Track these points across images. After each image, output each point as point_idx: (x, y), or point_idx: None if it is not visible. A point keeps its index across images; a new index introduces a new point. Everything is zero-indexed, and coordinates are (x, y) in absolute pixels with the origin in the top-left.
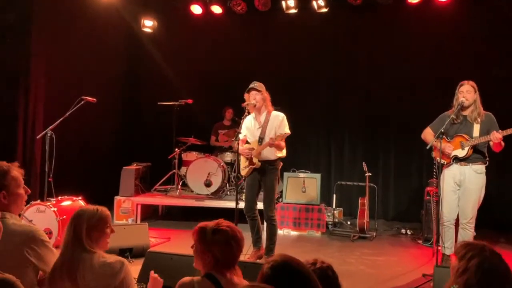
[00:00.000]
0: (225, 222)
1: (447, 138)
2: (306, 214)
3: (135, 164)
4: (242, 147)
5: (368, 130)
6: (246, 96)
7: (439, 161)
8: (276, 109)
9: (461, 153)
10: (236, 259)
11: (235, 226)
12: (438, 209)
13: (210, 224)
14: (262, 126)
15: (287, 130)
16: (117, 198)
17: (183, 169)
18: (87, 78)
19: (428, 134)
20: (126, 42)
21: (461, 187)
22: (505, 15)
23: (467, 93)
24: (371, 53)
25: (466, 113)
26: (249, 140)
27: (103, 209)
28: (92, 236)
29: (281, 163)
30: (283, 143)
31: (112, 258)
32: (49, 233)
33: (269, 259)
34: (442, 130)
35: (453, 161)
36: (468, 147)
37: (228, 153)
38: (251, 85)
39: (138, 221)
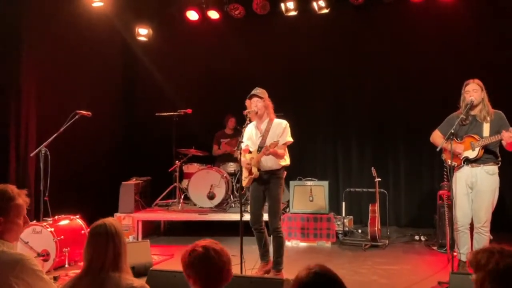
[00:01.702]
0: (203, 243)
1: (457, 140)
2: (315, 224)
3: (134, 179)
4: (244, 158)
5: (375, 134)
6: (247, 102)
7: (449, 163)
8: (279, 116)
9: (471, 154)
10: (216, 280)
11: (215, 245)
12: (452, 214)
13: (188, 247)
14: (263, 134)
15: (289, 138)
16: (116, 215)
17: (184, 182)
18: (81, 91)
19: (437, 137)
20: (120, 52)
21: (473, 190)
22: None
23: (473, 92)
24: (376, 54)
25: (474, 112)
26: (251, 149)
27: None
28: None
29: (285, 172)
30: (281, 151)
31: (137, 282)
32: (47, 254)
33: (307, 266)
34: (453, 131)
35: (464, 163)
36: (479, 148)
37: (231, 163)
38: (253, 92)
39: (140, 238)
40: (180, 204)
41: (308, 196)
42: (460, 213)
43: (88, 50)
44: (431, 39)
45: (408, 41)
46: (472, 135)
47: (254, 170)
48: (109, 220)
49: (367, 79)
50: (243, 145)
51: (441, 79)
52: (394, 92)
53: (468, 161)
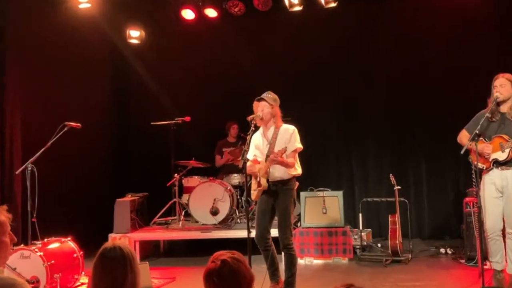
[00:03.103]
0: (228, 254)
1: (485, 140)
2: (330, 238)
3: (129, 195)
4: (251, 166)
5: (394, 137)
6: (255, 104)
7: (476, 165)
8: (286, 121)
9: (501, 156)
10: None
11: (240, 257)
12: (481, 221)
13: (212, 266)
14: (270, 142)
15: (298, 145)
16: (111, 235)
17: (184, 197)
18: (69, 100)
19: (463, 137)
20: (111, 56)
21: (504, 194)
22: None
23: (501, 87)
24: (391, 49)
25: (503, 110)
26: (259, 160)
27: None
28: None
29: (297, 183)
30: (290, 160)
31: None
32: (36, 281)
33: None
34: (477, 131)
35: (493, 165)
36: (509, 149)
37: (235, 175)
38: (263, 95)
39: (138, 261)
40: (180, 222)
41: (321, 208)
42: (490, 220)
43: (76, 55)
44: (456, 32)
45: (428, 35)
46: (501, 135)
47: (263, 181)
48: (119, 243)
49: (381, 77)
50: (249, 155)
51: (468, 75)
52: (413, 90)
53: (497, 163)
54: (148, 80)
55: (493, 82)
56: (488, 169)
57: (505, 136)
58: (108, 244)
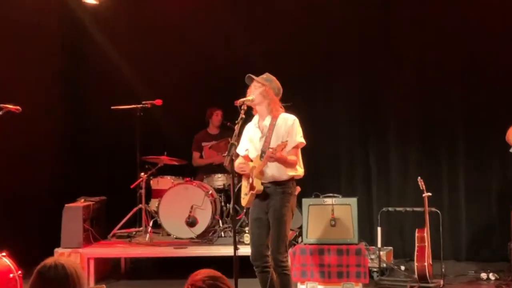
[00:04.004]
0: (203, 274)
1: None
2: (339, 258)
3: (82, 200)
4: (242, 164)
5: (423, 132)
6: (249, 90)
7: None
8: (286, 108)
9: None
10: None
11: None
12: None
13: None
14: (266, 135)
15: (300, 139)
16: (58, 250)
17: (153, 203)
18: (5, 79)
19: None
20: (60, 21)
21: None
22: None
23: None
24: (422, 28)
25: None
26: (251, 156)
27: None
28: None
29: (298, 187)
30: (291, 157)
31: None
32: None
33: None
34: None
35: None
36: None
37: (219, 175)
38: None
39: (92, 283)
40: (147, 234)
41: (329, 219)
42: None
43: (15, 20)
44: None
45: (468, 11)
46: None
47: (257, 183)
48: (63, 260)
49: (409, 61)
50: (241, 150)
51: None
52: (450, 77)
53: None
54: (108, 52)
55: None
56: None
57: None
58: (49, 261)
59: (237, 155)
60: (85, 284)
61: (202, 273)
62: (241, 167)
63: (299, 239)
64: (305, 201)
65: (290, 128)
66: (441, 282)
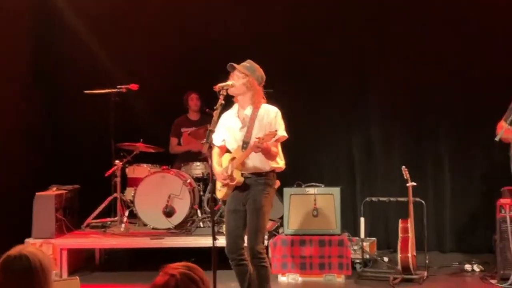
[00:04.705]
0: (177, 269)
1: None
2: (321, 250)
3: (54, 188)
4: (219, 170)
5: (409, 121)
6: (231, 79)
7: None
8: (267, 94)
9: None
10: None
11: (196, 271)
12: None
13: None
14: (248, 125)
15: (283, 133)
16: (29, 241)
17: (129, 192)
18: None
19: (501, 128)
20: (32, 6)
21: None
22: None
23: None
24: (418, 9)
25: None
26: (230, 147)
27: None
28: None
29: (278, 182)
30: (275, 149)
31: None
32: None
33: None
34: None
35: None
36: None
37: (198, 164)
38: (242, 63)
39: (64, 275)
40: (123, 224)
41: (311, 209)
42: None
43: None
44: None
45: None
46: None
47: (237, 175)
48: (28, 249)
49: (398, 43)
50: (217, 141)
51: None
52: (439, 65)
53: None
54: (80, 32)
55: None
56: None
57: None
58: (13, 252)
59: (213, 145)
60: (51, 277)
61: (177, 264)
62: (224, 178)
63: (280, 230)
64: (287, 191)
65: (272, 121)
66: (425, 273)
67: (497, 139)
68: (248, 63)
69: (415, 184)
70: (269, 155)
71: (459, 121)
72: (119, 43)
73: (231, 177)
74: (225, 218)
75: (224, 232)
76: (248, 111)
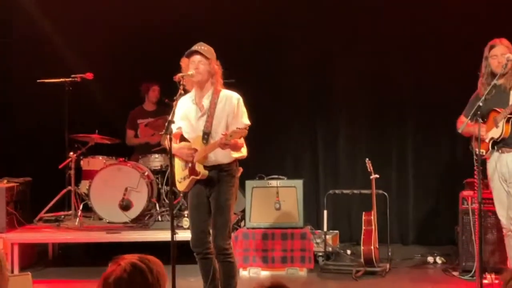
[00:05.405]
0: (128, 259)
1: (483, 121)
2: (284, 243)
3: (5, 181)
4: (178, 145)
5: (373, 113)
6: (184, 62)
7: (477, 152)
8: (229, 85)
9: (496, 133)
10: None
11: (148, 262)
12: (480, 222)
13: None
14: (208, 113)
15: (247, 121)
16: None
17: (84, 185)
18: None
19: (461, 124)
20: None
21: (508, 183)
22: None
23: (501, 56)
24: (381, 7)
25: (501, 81)
26: (187, 136)
27: None
28: None
29: (240, 168)
30: (241, 141)
31: None
32: None
33: (259, 281)
34: (481, 104)
35: (491, 148)
36: (503, 121)
37: (156, 156)
38: (194, 47)
39: (16, 271)
40: (77, 218)
41: (274, 202)
42: (503, 213)
43: None
44: None
45: None
46: (495, 108)
47: (200, 169)
48: None
49: (362, 38)
50: (174, 127)
51: (473, 43)
52: (401, 58)
53: (495, 143)
54: (35, 20)
55: (488, 51)
56: (489, 154)
57: (498, 109)
58: None
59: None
60: (5, 271)
61: (133, 255)
62: (181, 150)
63: (242, 223)
64: (249, 183)
65: (235, 108)
66: (387, 266)
67: (459, 131)
68: (203, 45)
69: (378, 176)
70: (236, 148)
71: (422, 114)
72: (74, 31)
73: (193, 171)
74: (189, 213)
75: (188, 227)
76: (207, 98)
